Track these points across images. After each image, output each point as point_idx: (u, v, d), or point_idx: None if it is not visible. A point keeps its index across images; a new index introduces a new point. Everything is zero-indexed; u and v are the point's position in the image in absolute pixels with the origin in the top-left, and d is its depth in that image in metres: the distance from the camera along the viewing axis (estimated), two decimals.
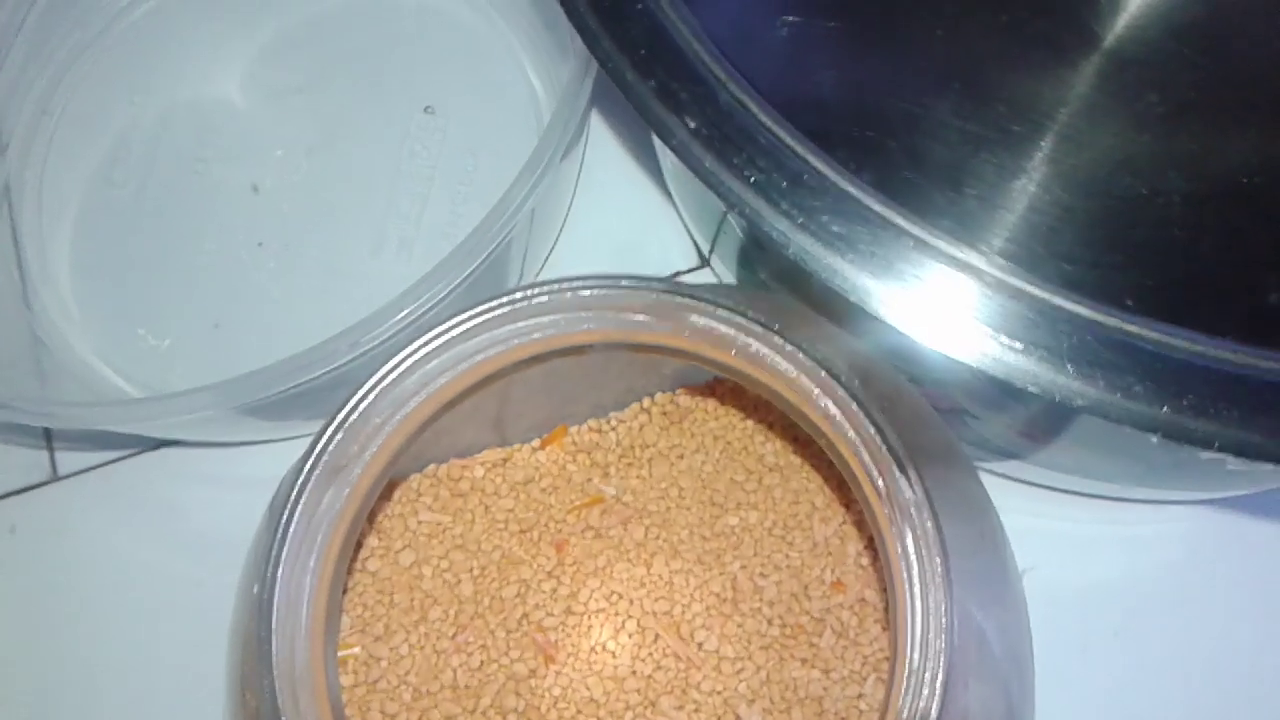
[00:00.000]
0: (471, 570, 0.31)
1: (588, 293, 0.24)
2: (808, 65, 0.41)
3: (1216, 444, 0.23)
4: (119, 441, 0.41)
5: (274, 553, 0.22)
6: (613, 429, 0.33)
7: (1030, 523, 0.39)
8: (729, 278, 0.41)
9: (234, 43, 0.45)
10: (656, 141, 0.42)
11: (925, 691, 0.21)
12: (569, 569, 0.31)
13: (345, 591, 0.30)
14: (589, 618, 0.31)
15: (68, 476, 0.41)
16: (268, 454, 0.40)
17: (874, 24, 0.42)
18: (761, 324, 0.23)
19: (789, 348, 0.23)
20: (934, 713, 0.21)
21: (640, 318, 0.24)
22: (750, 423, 0.34)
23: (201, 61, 0.45)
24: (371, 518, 0.31)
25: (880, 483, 0.23)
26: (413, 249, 0.42)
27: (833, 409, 0.23)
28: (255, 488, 0.39)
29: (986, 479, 0.38)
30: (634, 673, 0.31)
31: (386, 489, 0.31)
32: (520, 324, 0.24)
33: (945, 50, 0.41)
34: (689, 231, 0.42)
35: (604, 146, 0.44)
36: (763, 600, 0.32)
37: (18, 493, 0.41)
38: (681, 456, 0.33)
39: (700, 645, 0.31)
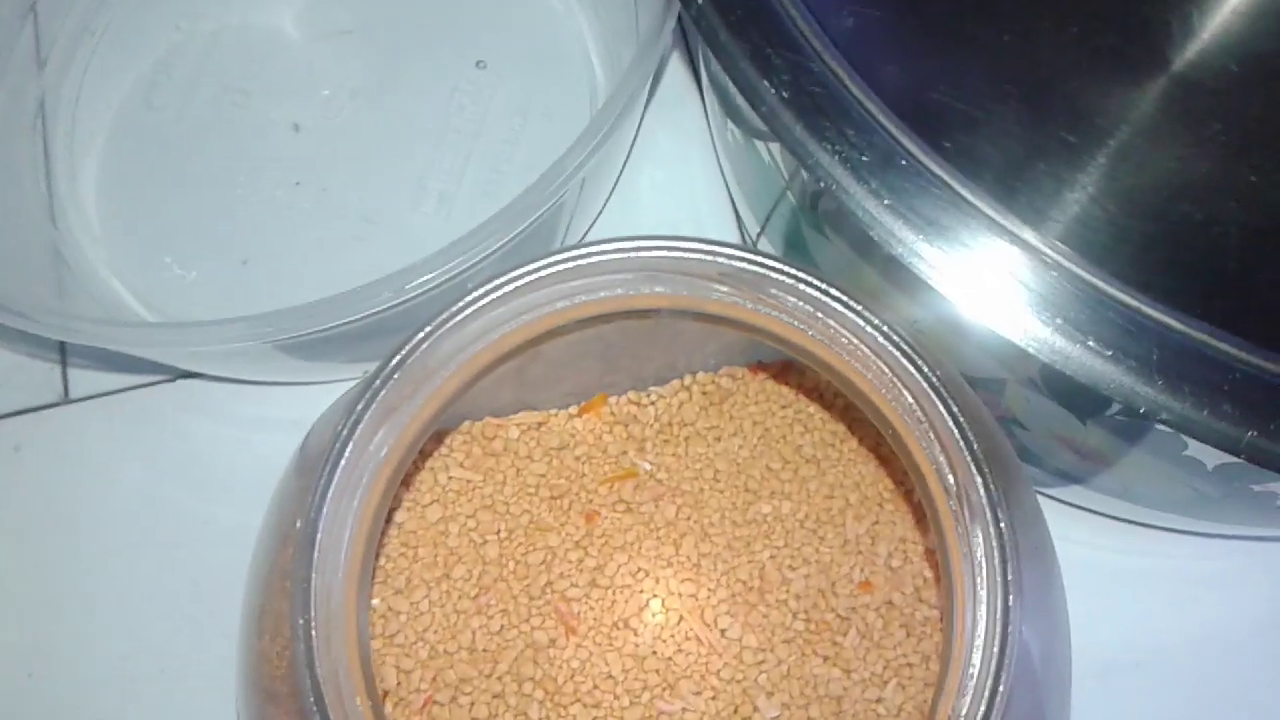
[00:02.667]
0: (498, 532, 0.30)
1: (661, 254, 0.23)
2: (871, 56, 0.40)
3: None
4: (136, 367, 0.39)
5: (320, 488, 0.21)
6: (652, 403, 0.32)
7: (1062, 547, 0.38)
8: None
9: None
10: (713, 116, 0.41)
11: (985, 699, 0.20)
12: (597, 541, 0.31)
13: None
14: (614, 592, 0.30)
15: (80, 400, 0.40)
16: (287, 395, 0.39)
17: (942, 21, 0.41)
18: (847, 302, 0.22)
19: (870, 329, 0.22)
20: None
21: (717, 286, 0.23)
22: (791, 411, 0.33)
23: None
24: None
25: (951, 480, 0.22)
26: (452, 205, 0.41)
27: (908, 398, 0.22)
28: (271, 429, 0.38)
29: None
30: (655, 653, 0.30)
31: None
32: (587, 280, 0.23)
33: (1012, 55, 0.40)
34: (736, 212, 0.41)
35: (659, 118, 0.43)
36: (789, 593, 0.31)
37: (26, 411, 0.40)
38: (719, 439, 0.32)
39: (724, 632, 0.30)
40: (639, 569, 0.31)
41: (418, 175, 0.42)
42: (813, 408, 0.33)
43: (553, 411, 0.32)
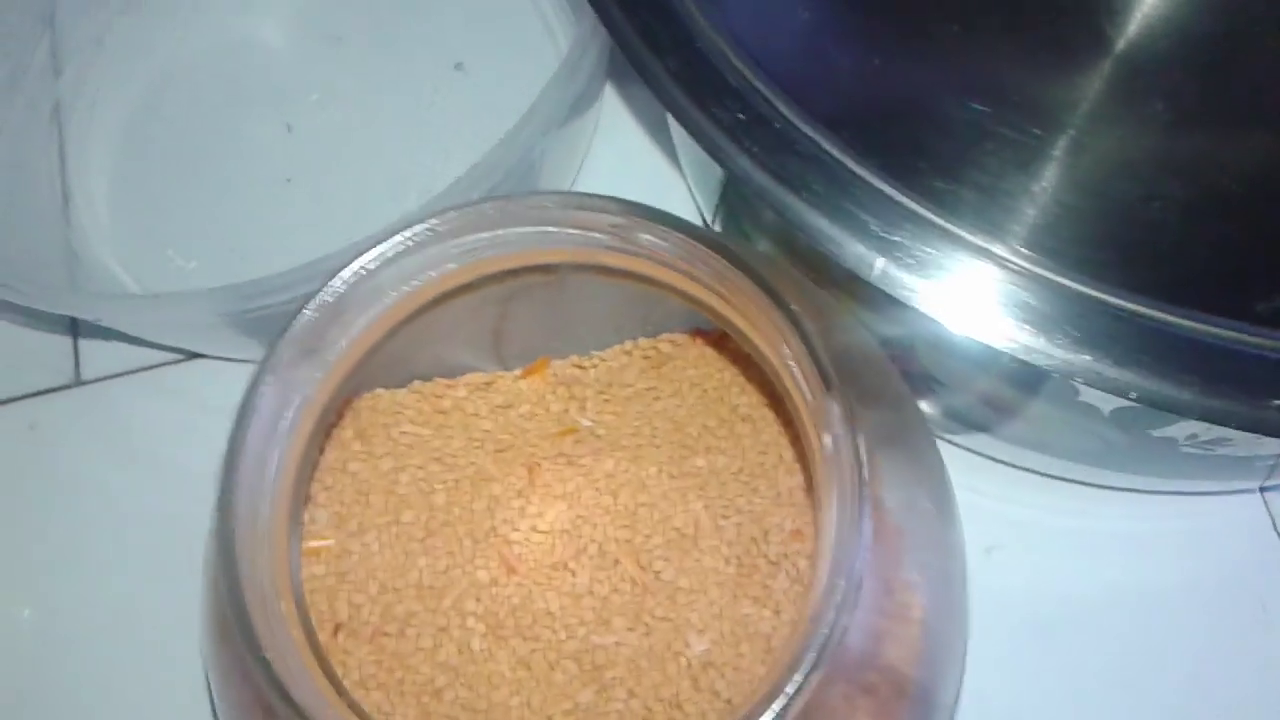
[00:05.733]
0: (446, 482, 0.33)
1: (553, 208, 0.25)
2: (824, 49, 0.43)
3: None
4: (146, 349, 0.43)
5: (244, 416, 0.24)
6: (594, 366, 0.35)
7: (1001, 508, 0.40)
8: None
9: None
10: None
11: (821, 629, 0.22)
12: (539, 490, 0.33)
13: (327, 490, 0.32)
14: (553, 537, 0.33)
15: (91, 382, 0.43)
16: None
17: (892, 12, 0.44)
18: (712, 244, 0.25)
19: (733, 270, 0.25)
20: (841, 626, 0.22)
21: (599, 235, 0.26)
22: (728, 375, 0.36)
23: (248, 6, 0.47)
24: (358, 427, 0.33)
25: (810, 398, 0.24)
26: (432, 199, 0.44)
27: (779, 340, 0.25)
28: None
29: (957, 454, 0.40)
30: (591, 592, 0.32)
31: (373, 402, 0.33)
32: (487, 234, 0.26)
33: (959, 43, 0.43)
34: (695, 201, 0.44)
35: (620, 119, 0.46)
36: (722, 540, 0.33)
37: (40, 394, 0.43)
38: (657, 399, 0.35)
39: (658, 575, 0.33)
40: (578, 517, 0.33)
41: (400, 172, 0.45)
42: (750, 371, 0.36)
43: (499, 374, 0.35)
